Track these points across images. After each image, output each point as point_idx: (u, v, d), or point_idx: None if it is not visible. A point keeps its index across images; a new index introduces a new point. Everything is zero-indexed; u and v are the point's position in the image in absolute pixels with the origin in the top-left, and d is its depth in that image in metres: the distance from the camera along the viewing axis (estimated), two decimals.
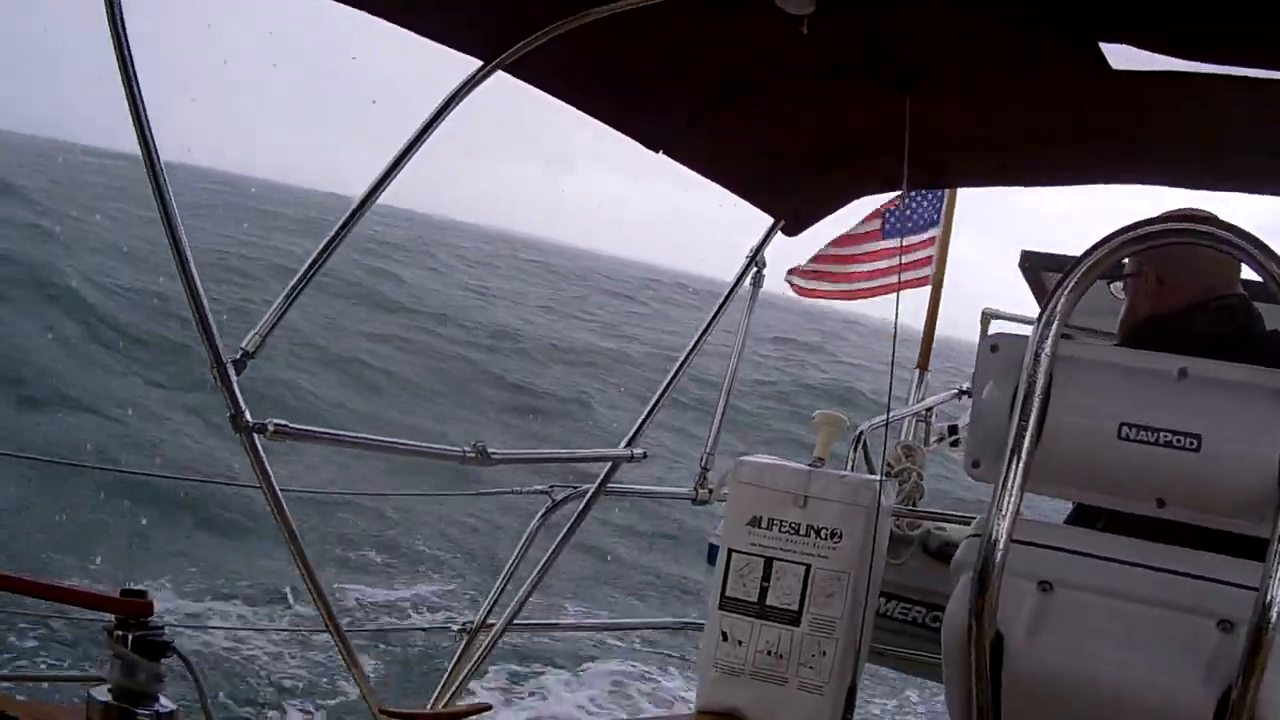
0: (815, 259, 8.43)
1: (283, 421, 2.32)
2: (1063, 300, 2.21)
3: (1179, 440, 2.14)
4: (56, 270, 20.59)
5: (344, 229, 2.63)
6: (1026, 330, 2.28)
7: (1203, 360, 2.22)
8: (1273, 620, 1.96)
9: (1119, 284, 2.91)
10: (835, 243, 8.34)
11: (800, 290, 8.60)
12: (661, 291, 60.44)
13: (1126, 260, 2.81)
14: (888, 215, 8.22)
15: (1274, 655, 1.98)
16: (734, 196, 3.76)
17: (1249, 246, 2.09)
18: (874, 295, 8.43)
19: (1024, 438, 2.18)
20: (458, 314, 30.40)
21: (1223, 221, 2.21)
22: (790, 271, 8.42)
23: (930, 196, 7.92)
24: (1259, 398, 2.13)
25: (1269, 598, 1.96)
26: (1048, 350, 2.20)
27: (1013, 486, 2.17)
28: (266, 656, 8.71)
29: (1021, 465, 2.17)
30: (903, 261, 7.97)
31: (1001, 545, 2.17)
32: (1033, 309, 5.02)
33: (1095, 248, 2.21)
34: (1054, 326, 2.20)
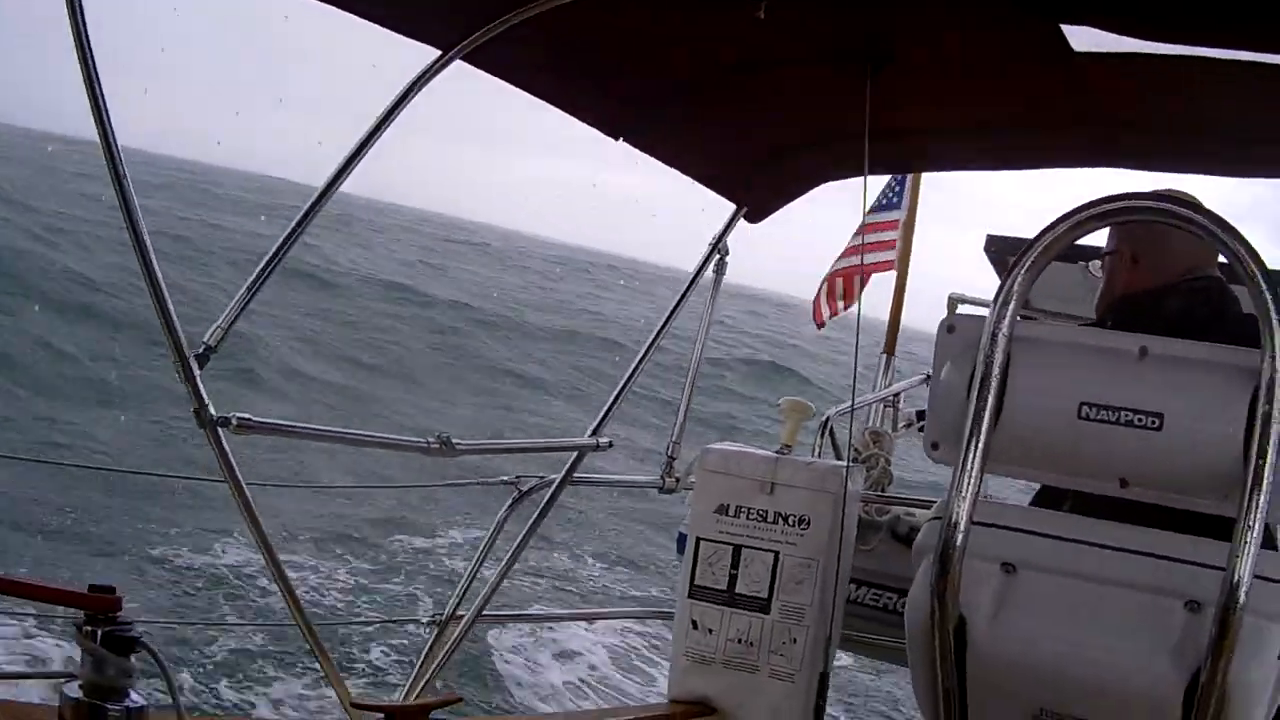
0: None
1: (246, 415, 2.32)
2: (1019, 279, 2.19)
3: (1140, 419, 2.13)
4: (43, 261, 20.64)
5: (305, 219, 2.59)
6: (986, 313, 2.26)
7: (1163, 339, 2.21)
8: (1240, 600, 1.95)
9: (1097, 262, 2.91)
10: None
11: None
12: (596, 274, 61.46)
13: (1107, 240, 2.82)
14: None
15: (1242, 635, 1.98)
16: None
17: (1212, 226, 2.08)
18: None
19: (982, 419, 2.17)
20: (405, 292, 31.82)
21: (1186, 200, 2.19)
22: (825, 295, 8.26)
23: (893, 181, 7.90)
24: (1220, 375, 2.12)
25: (1236, 578, 1.96)
26: (1004, 330, 2.18)
27: (972, 468, 2.17)
28: (239, 649, 8.66)
29: (980, 446, 2.17)
30: (865, 242, 7.89)
31: (962, 527, 2.17)
32: None
33: (1052, 226, 2.20)
34: (1011, 306, 2.18)
